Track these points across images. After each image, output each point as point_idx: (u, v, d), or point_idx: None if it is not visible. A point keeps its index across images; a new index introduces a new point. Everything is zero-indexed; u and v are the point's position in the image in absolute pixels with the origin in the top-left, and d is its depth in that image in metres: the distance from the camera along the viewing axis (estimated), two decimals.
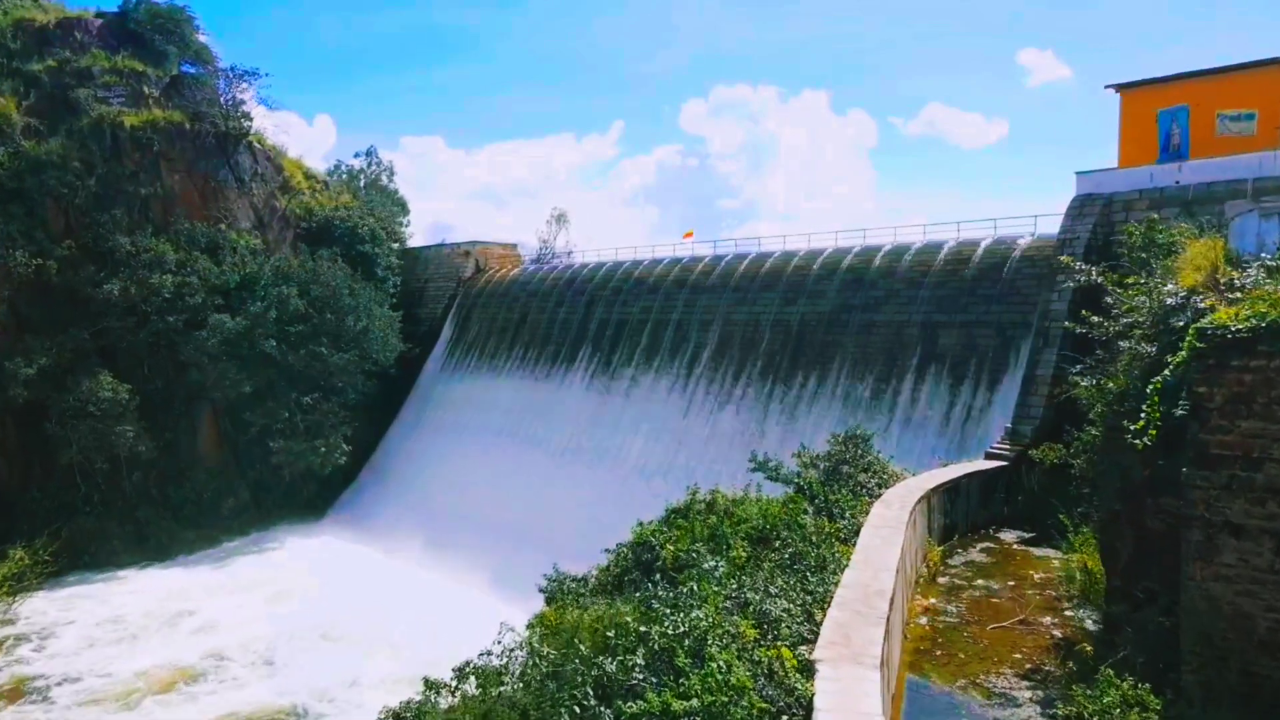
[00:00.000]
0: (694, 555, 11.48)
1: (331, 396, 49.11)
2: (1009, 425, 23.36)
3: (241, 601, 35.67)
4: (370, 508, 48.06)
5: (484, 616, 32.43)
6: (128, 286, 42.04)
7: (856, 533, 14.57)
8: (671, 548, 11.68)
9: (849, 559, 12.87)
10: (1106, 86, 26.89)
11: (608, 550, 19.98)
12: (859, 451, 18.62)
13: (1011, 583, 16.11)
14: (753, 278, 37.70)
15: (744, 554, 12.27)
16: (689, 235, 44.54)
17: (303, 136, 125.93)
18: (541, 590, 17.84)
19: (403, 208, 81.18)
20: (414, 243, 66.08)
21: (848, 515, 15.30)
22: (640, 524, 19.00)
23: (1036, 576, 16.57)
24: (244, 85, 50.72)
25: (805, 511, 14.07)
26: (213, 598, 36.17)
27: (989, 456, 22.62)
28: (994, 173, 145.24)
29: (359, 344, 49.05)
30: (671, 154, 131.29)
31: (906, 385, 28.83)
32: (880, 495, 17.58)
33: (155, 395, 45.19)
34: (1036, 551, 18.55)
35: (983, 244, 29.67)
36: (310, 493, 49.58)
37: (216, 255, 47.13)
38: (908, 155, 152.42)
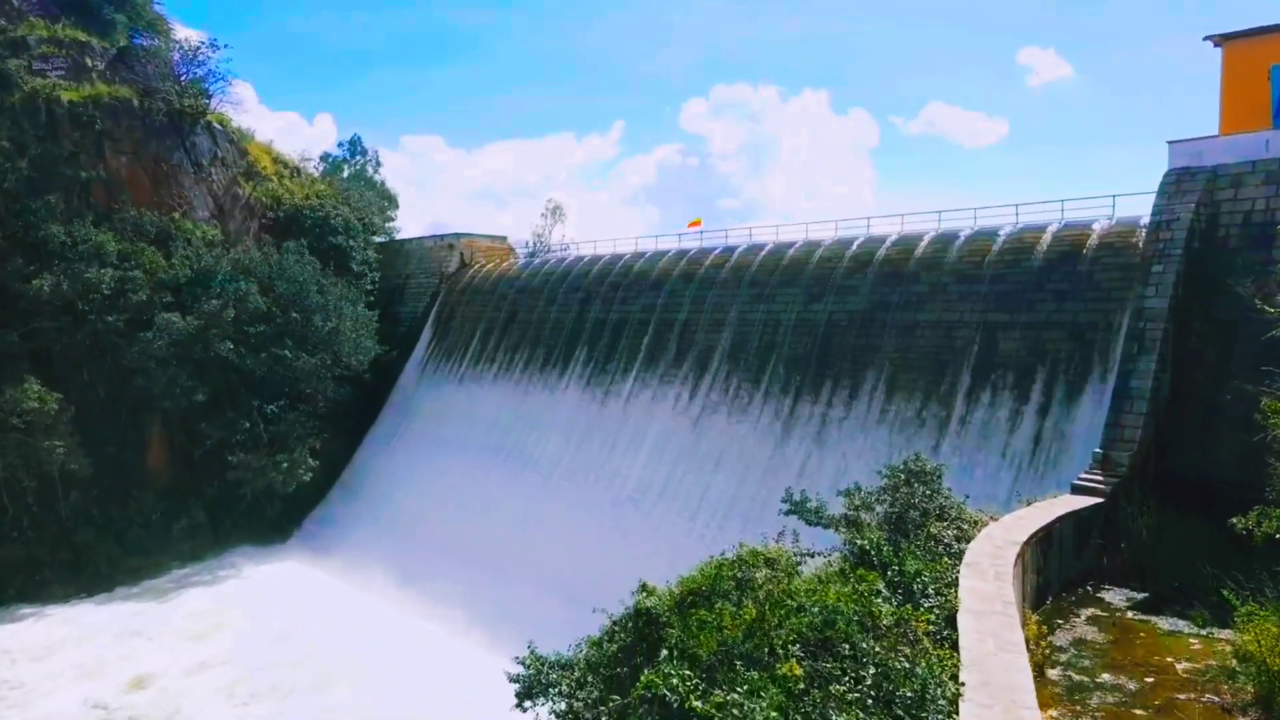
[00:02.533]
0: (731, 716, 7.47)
1: (299, 405, 45.21)
2: (1099, 450, 19.40)
3: (163, 648, 31.49)
4: (340, 530, 44.13)
5: (459, 667, 28.69)
6: (60, 281, 38.06)
7: (950, 621, 10.65)
8: (700, 706, 7.70)
9: (954, 671, 8.94)
10: (1205, 38, 22.94)
11: (601, 611, 16.16)
12: (929, 491, 14.66)
13: (1150, 678, 12.17)
14: (771, 271, 33.73)
15: (800, 672, 8.30)
16: (696, 223, 40.57)
17: (304, 135, 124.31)
18: (512, 680, 13.91)
19: (391, 201, 77.38)
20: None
21: (931, 591, 11.37)
22: (644, 587, 15.07)
23: (1179, 667, 12.62)
24: (201, 60, 46.69)
25: (878, 593, 10.10)
26: (131, 641, 31.90)
27: (1077, 490, 18.69)
28: (996, 172, 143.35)
29: (328, 346, 45.09)
30: (672, 154, 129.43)
31: (959, 398, 24.87)
32: (961, 552, 13.70)
33: (96, 404, 41.23)
34: (1162, 624, 14.62)
35: (1049, 229, 25.72)
36: (274, 512, 45.57)
37: (167, 247, 43.19)
38: (909, 155, 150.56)
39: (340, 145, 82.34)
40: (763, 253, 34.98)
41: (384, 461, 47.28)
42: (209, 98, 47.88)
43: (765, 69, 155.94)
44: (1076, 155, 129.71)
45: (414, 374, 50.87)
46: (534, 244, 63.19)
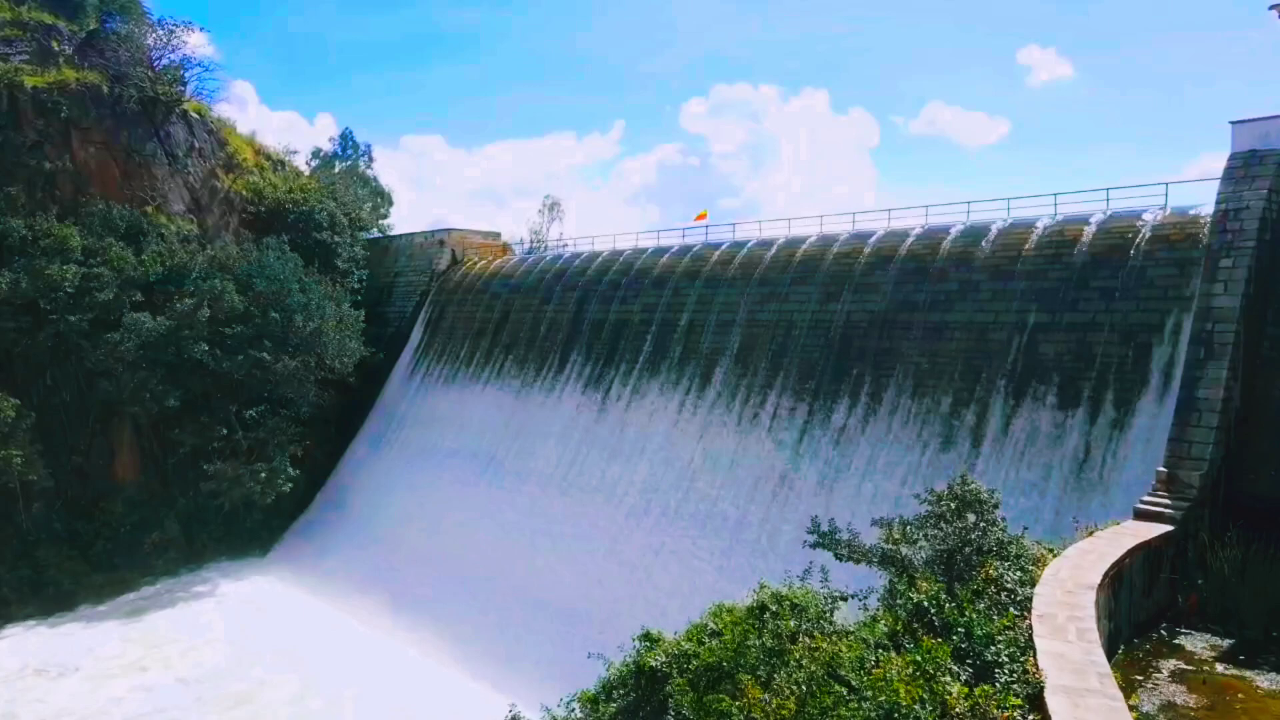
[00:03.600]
0: None
1: (280, 410, 43.14)
2: (1164, 469, 17.30)
3: (94, 681, 28.93)
4: (322, 544, 42.04)
5: (438, 704, 26.60)
6: (20, 279, 35.99)
7: (1034, 702, 8.55)
8: None
9: None
10: (1270, 8, 20.80)
11: (598, 657, 14.17)
12: (983, 523, 12.56)
13: None
14: (783, 268, 31.65)
15: None
16: (702, 217, 38.44)
17: (304, 135, 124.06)
18: None
19: (384, 198, 75.24)
20: None
21: (1005, 658, 9.25)
22: (648, 636, 13.08)
23: None
24: (175, 45, 44.65)
25: (947, 669, 8.00)
26: (58, 674, 29.43)
27: (1141, 516, 16.57)
28: (997, 171, 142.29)
29: (310, 348, 42.98)
30: (672, 153, 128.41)
31: (995, 408, 22.76)
32: (1028, 600, 11.61)
33: (61, 410, 39.25)
34: (1260, 680, 12.52)
35: (1093, 221, 23.63)
36: (254, 523, 43.50)
37: (139, 242, 41.11)
38: (909, 154, 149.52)
39: (330, 140, 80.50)
40: (774, 248, 32.88)
41: (369, 470, 45.19)
42: (185, 85, 45.85)
43: (765, 69, 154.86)
44: (1078, 155, 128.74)
45: (402, 377, 48.78)
46: (531, 241, 61.15)
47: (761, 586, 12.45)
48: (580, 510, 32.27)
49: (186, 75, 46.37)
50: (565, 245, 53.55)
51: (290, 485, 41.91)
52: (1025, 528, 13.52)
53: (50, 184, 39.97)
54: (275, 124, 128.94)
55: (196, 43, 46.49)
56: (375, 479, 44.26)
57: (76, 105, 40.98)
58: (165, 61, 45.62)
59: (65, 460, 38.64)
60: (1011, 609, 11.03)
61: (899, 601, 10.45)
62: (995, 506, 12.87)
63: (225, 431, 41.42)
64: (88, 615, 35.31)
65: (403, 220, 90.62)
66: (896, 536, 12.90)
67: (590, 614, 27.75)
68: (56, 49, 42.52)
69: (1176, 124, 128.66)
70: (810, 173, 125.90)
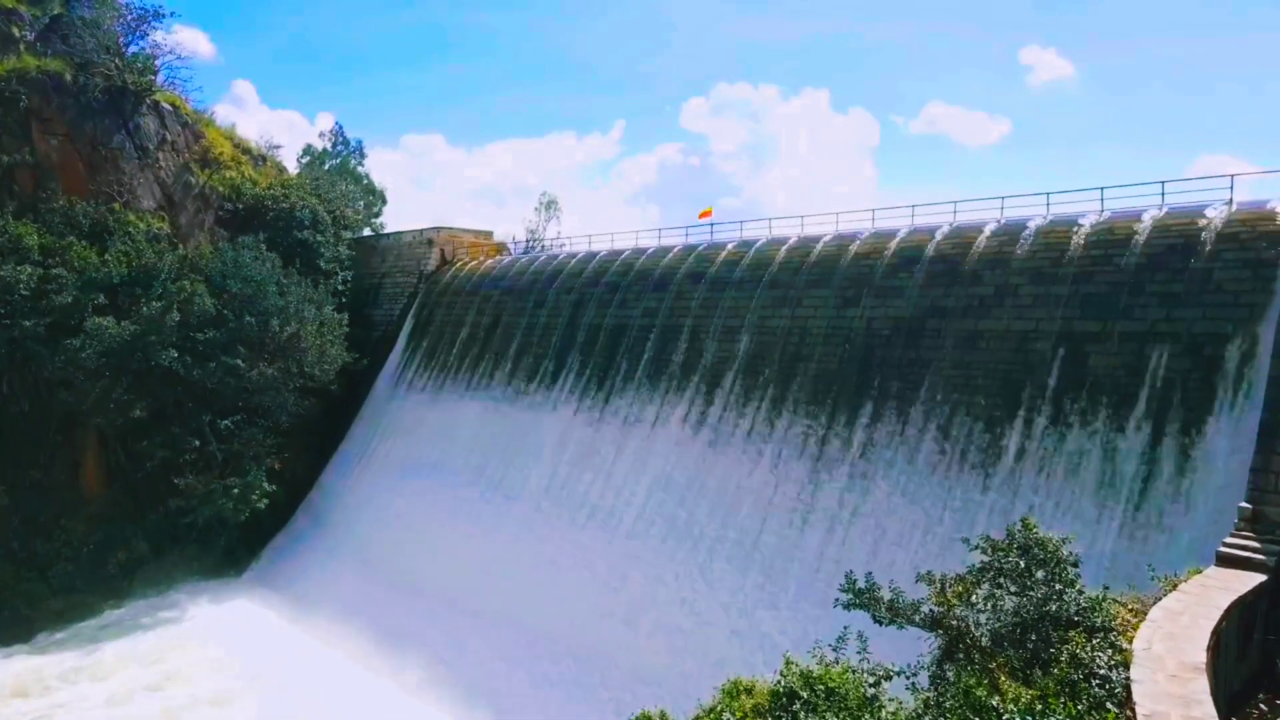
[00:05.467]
0: None
1: (257, 420, 41.01)
2: (1247, 505, 15.13)
3: None
4: (301, 564, 39.89)
5: None
6: None
7: None
8: None
9: None
10: None
11: None
12: (1059, 585, 10.38)
13: None
14: (795, 269, 29.49)
15: None
16: (707, 214, 36.25)
17: (305, 134, 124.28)
18: None
19: (377, 196, 73.10)
20: None
21: None
22: None
23: None
24: (143, 31, 42.61)
25: None
26: None
27: (1224, 561, 14.43)
28: (998, 171, 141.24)
29: (288, 354, 40.84)
30: (673, 153, 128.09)
31: (1038, 428, 20.58)
32: (1124, 689, 9.46)
33: (20, 421, 37.18)
34: None
35: (1147, 218, 21.46)
36: (230, 540, 41.34)
37: (104, 241, 39.00)
38: (910, 154, 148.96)
39: (322, 135, 78.47)
40: (785, 247, 30.72)
41: (353, 485, 43.04)
42: (156, 74, 43.73)
43: (765, 69, 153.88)
44: (1078, 155, 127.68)
45: (388, 385, 46.62)
46: (527, 240, 59.01)
47: (788, 663, 10.28)
48: (575, 534, 30.05)
49: (159, 64, 44.27)
50: (562, 245, 51.45)
51: (266, 501, 39.72)
52: (1106, 586, 11.34)
53: (9, 178, 37.96)
54: (276, 124, 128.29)
55: (183, 38, 44.10)
56: (359, 493, 42.12)
57: (37, 94, 38.99)
58: (135, 49, 43.56)
59: (23, 475, 36.56)
60: (1109, 705, 8.88)
61: (969, 700, 8.28)
62: (1074, 564, 10.68)
63: (198, 443, 39.34)
64: (43, 644, 33.27)
65: (403, 220, 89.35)
66: (952, 600, 10.72)
67: (583, 646, 25.71)
68: (17, 35, 40.54)
69: (1176, 124, 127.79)
70: (811, 173, 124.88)
